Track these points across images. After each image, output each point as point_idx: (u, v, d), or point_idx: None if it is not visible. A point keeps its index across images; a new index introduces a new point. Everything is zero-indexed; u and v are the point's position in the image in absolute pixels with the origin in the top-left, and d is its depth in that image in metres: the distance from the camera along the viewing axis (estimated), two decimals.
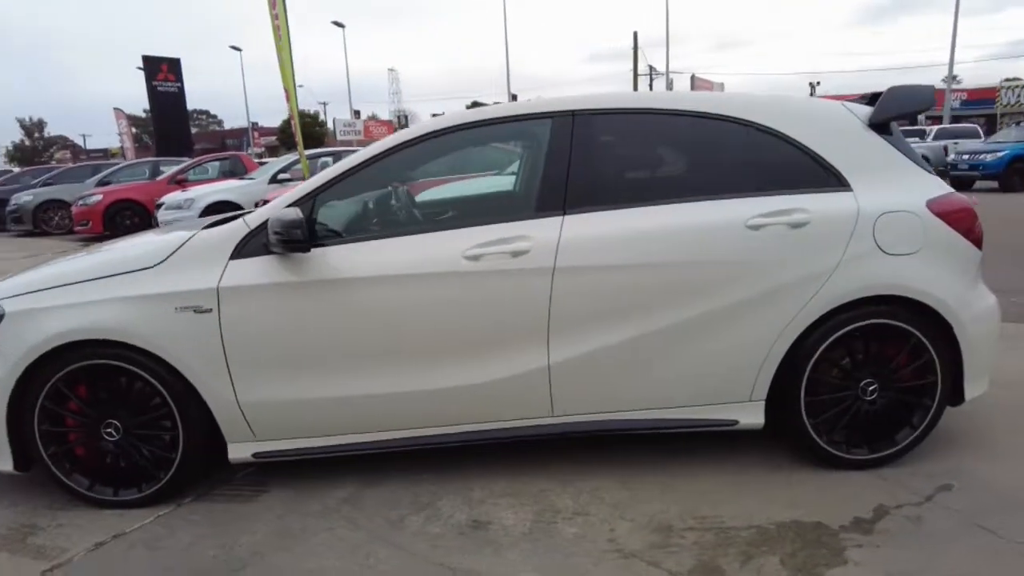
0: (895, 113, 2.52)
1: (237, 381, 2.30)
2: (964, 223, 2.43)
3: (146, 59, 26.07)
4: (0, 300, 2.33)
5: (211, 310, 2.25)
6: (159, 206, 9.30)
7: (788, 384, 2.40)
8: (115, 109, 27.35)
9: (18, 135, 52.08)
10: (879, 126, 2.50)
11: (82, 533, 2.24)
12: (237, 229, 2.34)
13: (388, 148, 2.42)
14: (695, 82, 24.01)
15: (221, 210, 7.27)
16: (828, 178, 2.41)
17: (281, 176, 9.65)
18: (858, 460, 2.46)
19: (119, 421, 2.33)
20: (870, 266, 2.34)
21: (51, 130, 58.55)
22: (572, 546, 2.09)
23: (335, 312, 2.28)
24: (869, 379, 2.43)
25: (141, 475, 2.37)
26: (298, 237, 2.16)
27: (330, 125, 37.62)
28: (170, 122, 26.24)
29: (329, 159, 10.24)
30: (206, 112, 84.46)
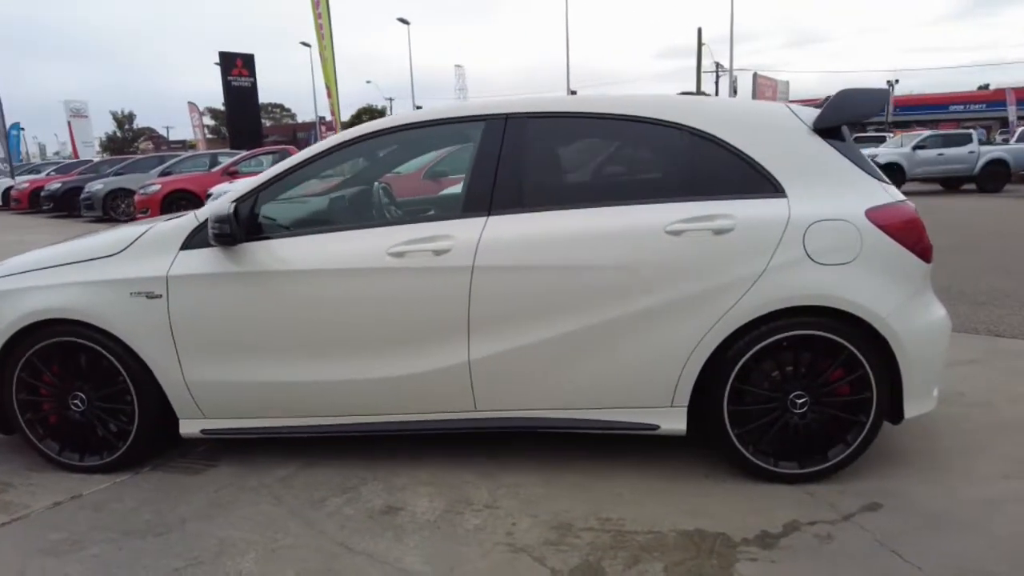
0: (843, 118, 2.44)
1: (184, 362, 2.50)
2: (907, 234, 2.33)
3: (222, 55, 27.59)
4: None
5: (161, 296, 2.46)
6: (209, 196, 9.91)
7: (712, 392, 2.38)
8: (189, 103, 29.05)
9: (111, 127, 56.25)
10: (827, 131, 2.43)
11: (46, 493, 2.50)
12: (187, 222, 2.53)
13: (328, 148, 2.55)
14: (757, 80, 23.11)
15: None
16: (762, 184, 2.37)
17: None
18: (787, 474, 2.41)
19: (84, 394, 2.58)
20: (798, 275, 2.28)
21: (140, 122, 62.72)
22: (469, 537, 2.17)
23: (268, 302, 2.44)
24: (799, 392, 2.37)
25: (103, 444, 2.62)
26: (226, 231, 2.33)
27: None
28: (243, 115, 27.65)
29: None
30: (280, 106, 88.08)
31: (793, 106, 2.52)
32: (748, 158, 2.38)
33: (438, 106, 2.64)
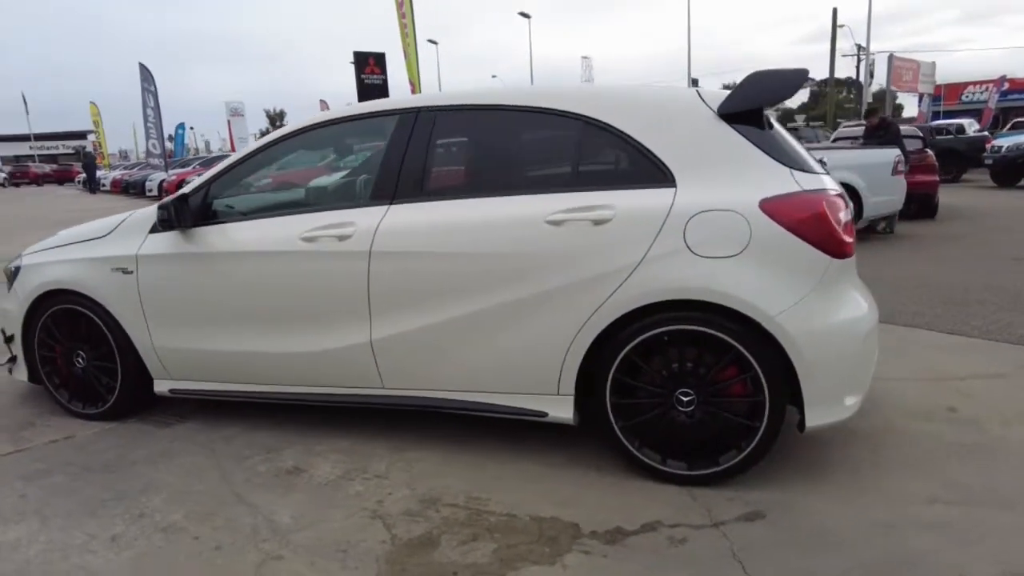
0: (751, 103, 2.29)
1: (152, 329, 2.91)
2: (807, 226, 2.16)
3: (356, 55, 29.70)
4: (22, 256, 3.22)
5: (132, 272, 2.88)
6: None
7: (595, 383, 2.37)
8: (320, 101, 31.51)
9: (265, 124, 62.61)
10: (738, 116, 2.30)
11: (51, 432, 3.04)
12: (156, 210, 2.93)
13: (264, 144, 2.84)
14: (892, 63, 20.60)
15: None
16: (654, 173, 2.30)
17: None
18: (675, 474, 2.34)
19: (84, 353, 3.09)
20: (676, 267, 2.20)
21: (289, 119, 69.31)
22: (345, 500, 2.35)
23: (211, 279, 2.77)
24: (685, 389, 2.28)
25: (98, 396, 3.12)
26: (164, 217, 2.70)
27: None
28: None
29: None
30: None
31: (704, 91, 2.40)
32: (642, 147, 2.32)
33: (358, 104, 2.82)
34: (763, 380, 2.19)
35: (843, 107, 42.69)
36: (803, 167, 2.31)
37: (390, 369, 2.61)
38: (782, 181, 2.22)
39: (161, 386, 3.03)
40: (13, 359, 3.28)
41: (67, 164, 37.22)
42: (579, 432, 2.63)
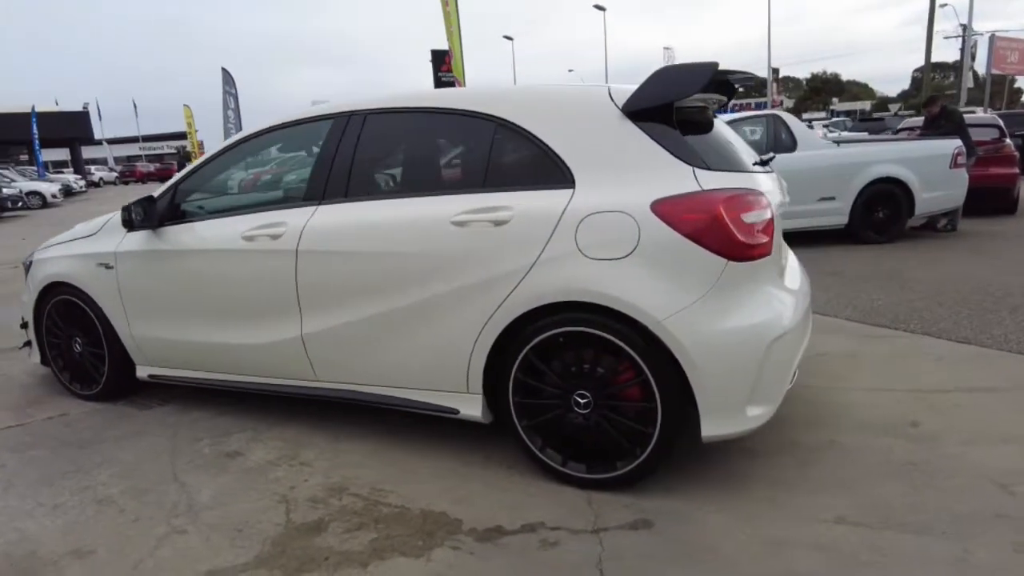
0: (657, 99, 2.23)
1: (129, 319, 3.19)
2: (701, 229, 2.08)
3: (433, 52, 30.27)
4: (35, 252, 3.60)
5: (113, 267, 3.17)
6: None
7: (500, 382, 2.38)
8: None
9: None
10: (644, 114, 2.24)
11: (51, 410, 3.39)
12: None
13: (221, 150, 3.03)
14: (995, 43, 18.59)
15: None
16: (557, 174, 2.29)
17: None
18: (575, 476, 2.33)
19: (80, 340, 3.43)
20: (567, 269, 2.18)
21: None
22: (263, 484, 2.50)
23: (172, 275, 3.00)
24: (582, 391, 2.26)
25: (92, 379, 3.45)
26: (126, 218, 2.94)
27: None
28: None
29: None
30: None
31: (616, 89, 2.34)
32: (547, 148, 2.31)
33: (301, 110, 2.95)
34: (654, 386, 2.13)
35: (947, 94, 39.22)
36: (715, 165, 2.21)
37: (320, 362, 2.73)
38: (680, 181, 2.14)
39: (142, 372, 3.31)
40: (28, 343, 3.68)
41: (169, 163, 40.51)
42: (502, 431, 2.65)
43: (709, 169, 2.19)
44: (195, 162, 3.10)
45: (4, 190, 17.43)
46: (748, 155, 2.61)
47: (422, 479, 2.48)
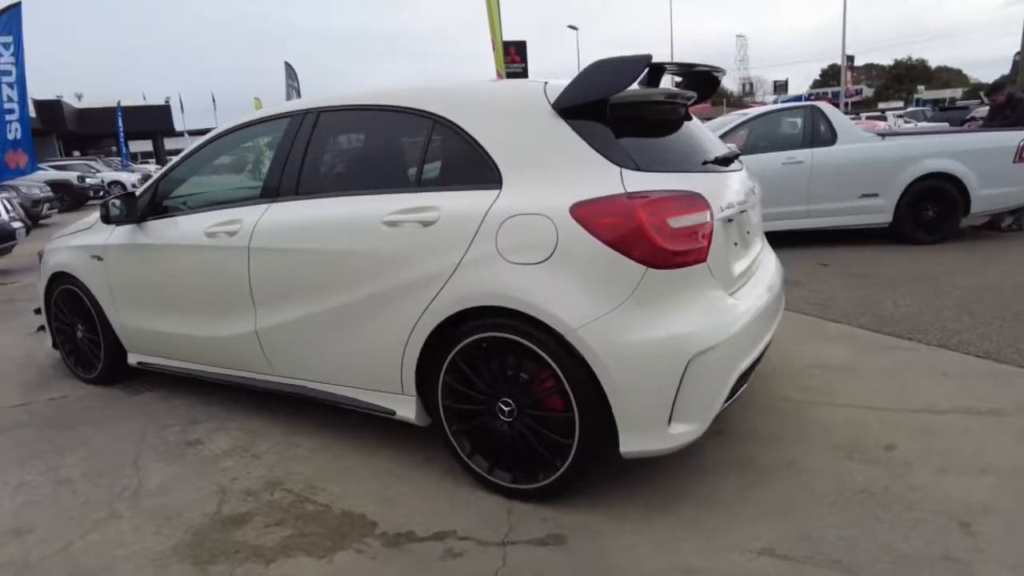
0: (589, 95, 2.12)
1: (117, 308, 3.35)
2: (616, 233, 1.96)
3: (502, 44, 30.37)
4: (47, 244, 3.84)
5: (103, 259, 3.33)
6: None
7: (429, 384, 2.35)
8: None
9: None
10: (577, 111, 2.14)
11: (55, 391, 3.61)
12: None
13: (196, 148, 3.12)
14: None
15: None
16: (487, 174, 2.22)
17: None
18: (500, 485, 2.27)
19: (81, 327, 3.63)
20: (487, 272, 2.12)
21: None
22: (209, 473, 2.57)
23: (149, 267, 3.13)
24: (506, 398, 2.19)
25: (91, 364, 3.65)
26: (103, 214, 3.07)
27: None
28: None
29: None
30: None
31: (553, 84, 2.24)
32: (479, 146, 2.25)
33: (264, 109, 2.98)
34: (572, 397, 2.04)
35: None
36: (650, 166, 2.08)
37: (274, 357, 2.78)
38: (604, 183, 2.03)
39: (132, 359, 3.47)
40: (42, 328, 3.93)
41: None
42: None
43: (639, 170, 2.06)
44: (174, 160, 3.21)
45: (88, 180, 18.74)
46: (709, 153, 2.45)
47: (358, 479, 2.48)
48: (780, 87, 54.62)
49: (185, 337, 3.08)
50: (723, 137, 6.56)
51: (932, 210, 6.25)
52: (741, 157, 2.97)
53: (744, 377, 2.21)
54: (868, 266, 5.46)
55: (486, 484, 2.30)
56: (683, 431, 2.01)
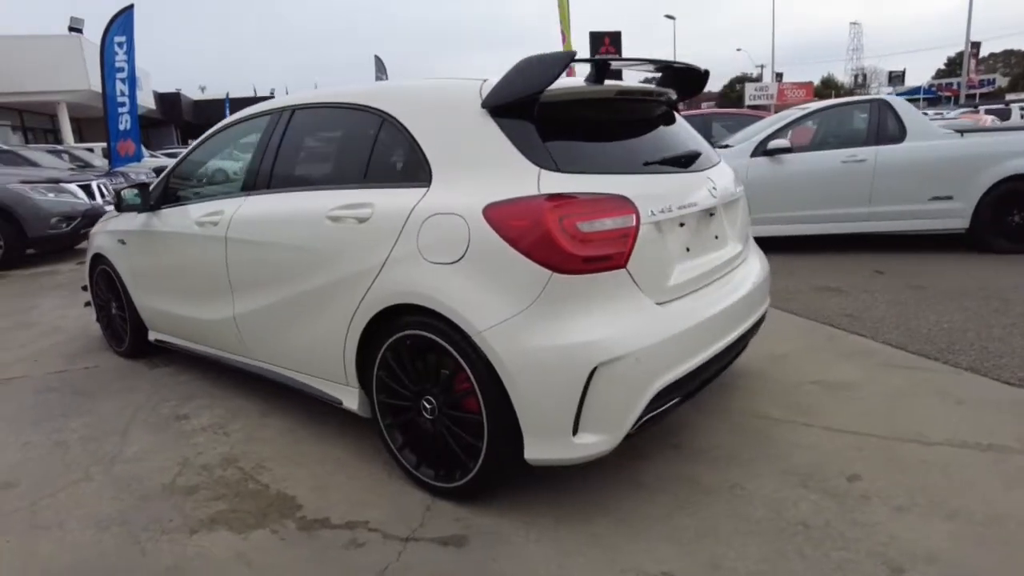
0: (516, 94, 2.08)
1: (137, 288, 3.66)
2: (525, 237, 1.91)
3: (592, 34, 29.88)
4: (94, 227, 4.24)
5: (126, 243, 3.64)
6: None
7: (365, 378, 2.39)
8: None
9: None
10: (506, 109, 2.10)
11: (91, 361, 3.99)
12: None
13: (199, 142, 3.33)
14: None
15: None
16: (420, 171, 2.23)
17: None
18: (425, 482, 2.28)
19: (115, 304, 3.99)
20: (408, 270, 2.13)
21: None
22: (181, 446, 2.76)
23: (155, 252, 3.39)
24: (429, 397, 2.20)
25: (121, 338, 4.00)
26: (116, 202, 3.34)
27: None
28: None
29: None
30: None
31: (491, 82, 2.20)
32: (416, 143, 2.26)
33: (250, 107, 3.12)
34: (480, 399, 2.01)
35: None
36: (572, 167, 2.01)
37: (249, 341, 2.93)
38: (521, 183, 1.98)
39: (151, 335, 3.78)
40: (88, 303, 4.36)
41: None
42: None
43: (559, 170, 1.99)
44: (184, 153, 3.45)
45: None
46: (662, 153, 2.33)
47: (306, 462, 2.58)
48: (896, 78, 50.14)
49: (185, 318, 3.32)
50: (779, 132, 6.16)
51: (1019, 215, 5.58)
52: (725, 152, 2.79)
53: (678, 389, 2.09)
54: (930, 276, 4.96)
55: (414, 479, 2.32)
56: (591, 442, 1.94)
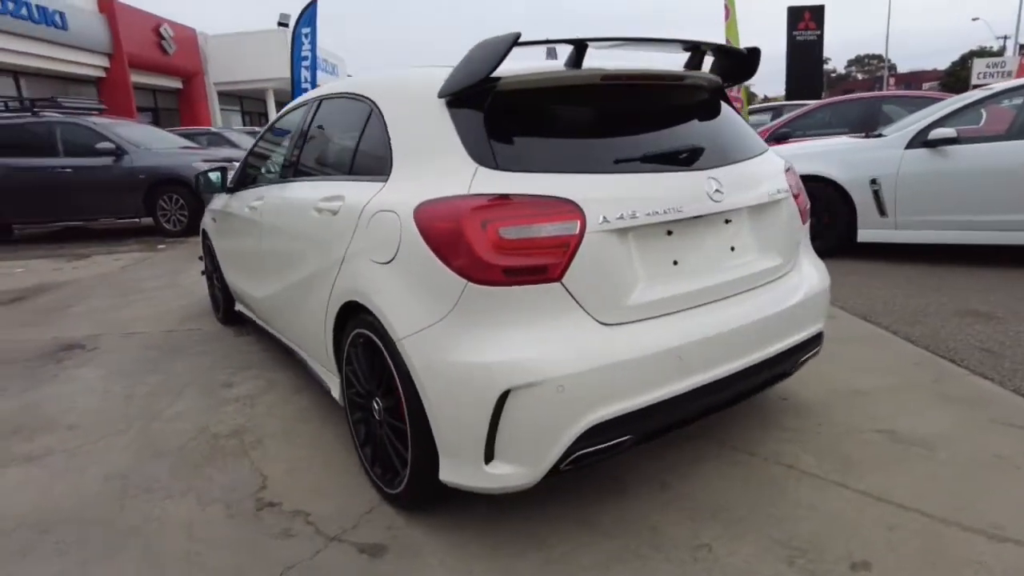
0: (465, 81, 1.91)
1: (223, 262, 4.05)
2: (442, 239, 1.75)
3: (790, 10, 27.25)
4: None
5: (216, 221, 4.05)
6: None
7: (340, 372, 2.40)
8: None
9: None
10: (460, 98, 1.94)
11: (196, 325, 4.52)
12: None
13: (261, 133, 3.54)
14: None
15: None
16: (386, 164, 2.16)
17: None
18: (376, 483, 2.23)
19: (215, 276, 4.46)
20: (358, 267, 2.08)
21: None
22: (212, 414, 2.99)
23: (229, 230, 3.71)
24: (378, 398, 2.14)
25: (218, 306, 4.46)
26: (193, 184, 3.68)
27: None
28: (804, 68, 26.52)
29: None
30: (878, 57, 79.76)
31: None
32: (388, 134, 2.18)
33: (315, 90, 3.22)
34: (405, 408, 1.90)
35: None
36: (517, 164, 1.79)
37: (279, 320, 3.10)
38: (455, 181, 1.80)
39: (236, 306, 4.18)
40: (203, 272, 4.93)
41: None
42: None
43: (498, 168, 1.79)
44: (255, 141, 3.72)
45: None
46: (654, 148, 2.01)
47: (300, 443, 2.66)
48: None
49: (245, 293, 3.61)
50: (945, 119, 5.06)
51: None
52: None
53: (626, 426, 1.80)
54: None
55: (370, 479, 2.29)
56: (505, 473, 1.74)
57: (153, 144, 9.06)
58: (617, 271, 1.81)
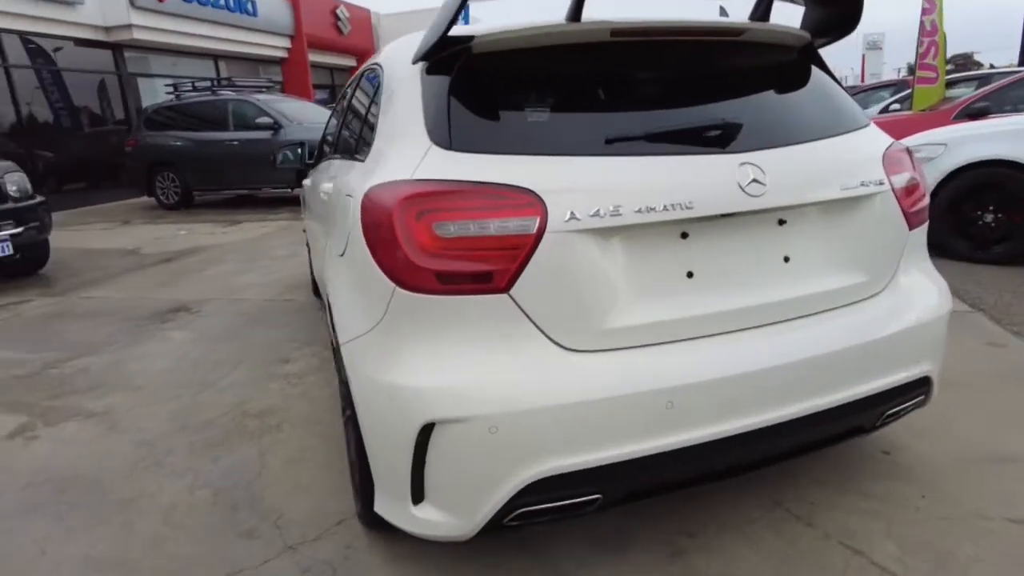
0: (423, 48, 1.64)
1: (310, 238, 4.13)
2: (373, 235, 1.49)
3: None
4: None
5: (304, 194, 4.12)
6: None
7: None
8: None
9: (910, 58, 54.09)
10: (431, 66, 1.65)
11: (292, 296, 4.70)
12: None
13: (329, 116, 3.47)
14: None
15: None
16: (371, 141, 1.92)
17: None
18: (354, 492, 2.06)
19: (308, 248, 4.58)
20: (326, 259, 1.88)
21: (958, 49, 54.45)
22: (258, 388, 3.04)
23: (307, 204, 3.73)
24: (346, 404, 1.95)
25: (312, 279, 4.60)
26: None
27: None
28: None
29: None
30: None
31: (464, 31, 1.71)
32: (380, 107, 1.94)
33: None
34: (354, 418, 1.68)
35: None
36: (475, 145, 1.46)
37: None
38: (405, 163, 1.51)
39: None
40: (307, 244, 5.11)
41: None
42: None
43: (452, 148, 1.46)
44: (329, 116, 3.68)
45: None
46: (686, 124, 1.55)
47: (319, 431, 2.57)
48: None
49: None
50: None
51: None
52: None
53: (595, 483, 1.42)
54: None
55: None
56: (434, 519, 1.46)
57: (306, 119, 9.74)
58: (589, 283, 1.41)
